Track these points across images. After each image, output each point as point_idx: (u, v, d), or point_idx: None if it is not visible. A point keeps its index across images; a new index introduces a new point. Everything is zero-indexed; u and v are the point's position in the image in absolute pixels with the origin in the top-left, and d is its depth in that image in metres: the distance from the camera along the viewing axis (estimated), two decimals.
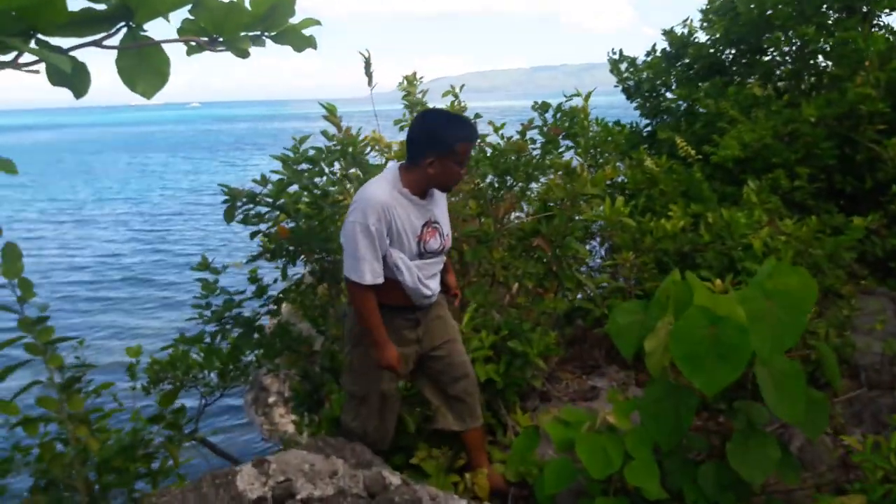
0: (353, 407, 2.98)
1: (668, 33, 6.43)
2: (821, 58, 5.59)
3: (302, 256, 3.68)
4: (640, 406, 2.52)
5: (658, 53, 6.62)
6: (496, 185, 4.18)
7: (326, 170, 3.68)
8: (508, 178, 4.16)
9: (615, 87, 6.65)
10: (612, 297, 4.19)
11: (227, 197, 3.50)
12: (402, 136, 4.76)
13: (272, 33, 1.62)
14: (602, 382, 3.86)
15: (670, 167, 5.01)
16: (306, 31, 1.61)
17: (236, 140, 68.37)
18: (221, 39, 1.58)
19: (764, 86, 5.37)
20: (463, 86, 4.59)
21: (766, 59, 5.78)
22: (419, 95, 4.62)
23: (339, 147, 3.88)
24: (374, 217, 2.61)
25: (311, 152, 3.64)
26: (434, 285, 2.88)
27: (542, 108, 4.51)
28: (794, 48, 5.42)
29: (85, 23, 1.31)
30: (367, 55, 4.46)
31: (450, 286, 3.12)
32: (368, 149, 3.84)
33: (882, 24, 5.56)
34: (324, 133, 3.82)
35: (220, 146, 60.41)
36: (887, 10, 5.32)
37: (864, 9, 5.31)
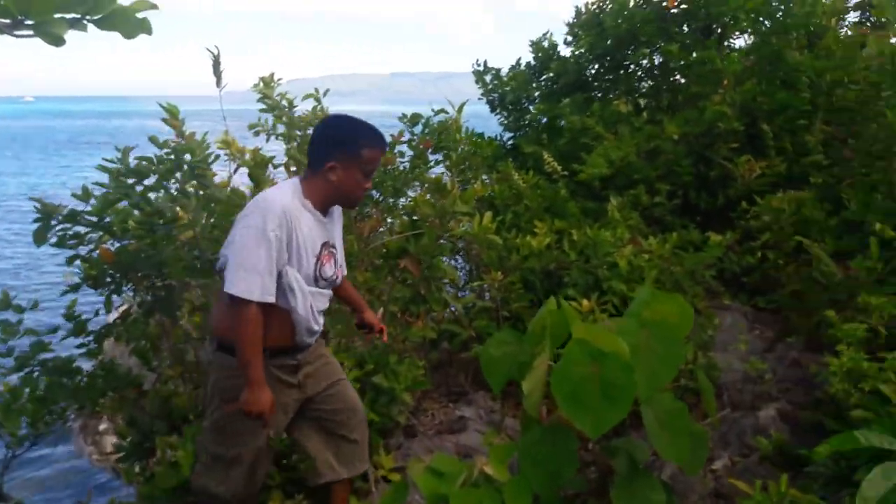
0: (219, 470, 2.48)
1: (535, 45, 6.39)
2: (678, 76, 5.74)
3: (129, 284, 3.17)
4: (518, 451, 2.29)
5: (523, 66, 6.57)
6: None
7: (165, 183, 3.20)
8: (375, 192, 3.86)
9: (479, 98, 6.52)
10: (479, 317, 4.00)
11: (39, 215, 2.94)
12: (259, 142, 4.34)
13: (96, 16, 1.35)
14: (470, 411, 3.63)
15: (536, 183, 4.91)
16: (140, 15, 1.37)
17: (71, 138, 63.21)
18: (29, 22, 1.29)
19: (627, 102, 5.41)
20: (328, 90, 4.23)
21: (628, 74, 5.86)
22: (277, 97, 4.23)
23: (171, 156, 3.39)
24: (275, 223, 2.23)
25: (135, 163, 3.13)
26: (321, 322, 2.49)
27: (412, 120, 4.25)
28: (656, 65, 5.52)
29: None
30: (216, 52, 4.00)
31: (371, 324, 2.75)
32: (214, 157, 3.36)
33: (733, 45, 5.76)
34: (152, 139, 3.30)
35: (54, 144, 55.55)
36: (738, 34, 5.53)
37: (719, 31, 5.50)
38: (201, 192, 3.14)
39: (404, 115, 4.29)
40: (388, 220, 3.98)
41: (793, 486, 2.18)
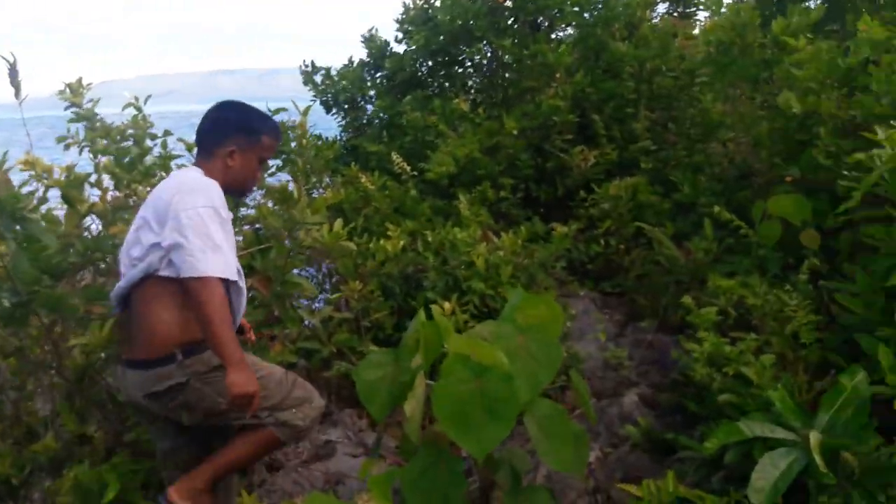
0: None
1: (368, 42, 6.22)
2: (510, 71, 5.81)
3: None
4: (402, 480, 2.14)
5: (356, 64, 6.38)
6: None
7: None
8: None
9: (313, 99, 6.26)
10: (338, 331, 3.79)
11: None
12: (70, 158, 3.83)
13: None
14: (337, 433, 3.43)
15: (384, 184, 4.77)
16: None
17: None
18: None
19: (466, 99, 5.39)
20: (149, 96, 3.82)
21: (464, 70, 5.86)
22: (88, 104, 3.78)
23: None
24: (222, 201, 2.18)
25: None
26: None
27: None
28: (488, 60, 5.55)
29: None
30: (11, 60, 3.48)
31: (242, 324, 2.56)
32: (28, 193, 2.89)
33: (559, 38, 5.91)
34: None
35: None
36: (563, 26, 5.69)
37: (546, 24, 5.63)
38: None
39: None
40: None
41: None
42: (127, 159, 3.53)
